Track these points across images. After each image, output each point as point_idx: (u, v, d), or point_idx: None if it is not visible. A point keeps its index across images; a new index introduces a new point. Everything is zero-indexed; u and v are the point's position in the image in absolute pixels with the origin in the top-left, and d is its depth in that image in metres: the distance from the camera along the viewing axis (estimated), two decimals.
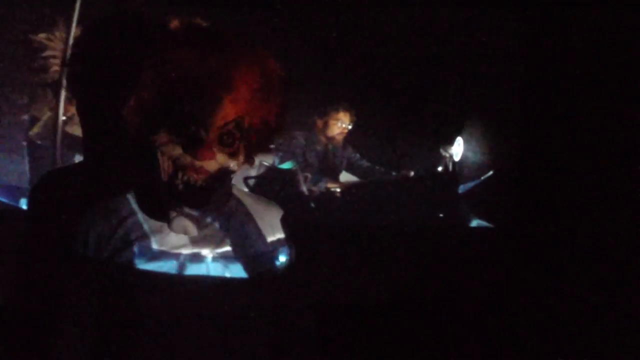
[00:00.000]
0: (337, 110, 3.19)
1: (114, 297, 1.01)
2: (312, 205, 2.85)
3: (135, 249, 1.03)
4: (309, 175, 2.99)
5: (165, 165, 1.01)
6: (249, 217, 1.13)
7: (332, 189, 3.06)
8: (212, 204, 1.06)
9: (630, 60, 1.99)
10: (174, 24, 1.07)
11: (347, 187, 3.07)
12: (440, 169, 2.84)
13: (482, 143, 2.82)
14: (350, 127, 3.22)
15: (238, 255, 1.08)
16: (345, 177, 3.29)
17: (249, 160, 1.10)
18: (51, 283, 1.06)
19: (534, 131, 2.13)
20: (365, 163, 3.30)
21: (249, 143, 1.07)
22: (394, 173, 3.13)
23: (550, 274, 1.99)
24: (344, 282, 1.91)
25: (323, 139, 3.24)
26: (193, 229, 1.05)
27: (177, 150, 1.00)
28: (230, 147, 1.03)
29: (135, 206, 1.07)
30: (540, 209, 2.08)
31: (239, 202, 1.14)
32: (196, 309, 1.02)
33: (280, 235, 1.15)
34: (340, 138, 3.24)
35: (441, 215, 2.62)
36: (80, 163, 1.36)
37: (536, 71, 2.18)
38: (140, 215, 1.06)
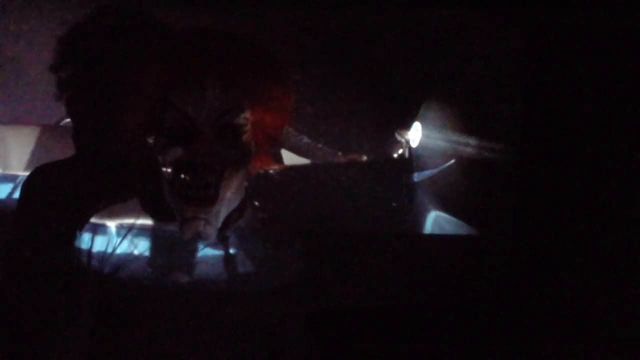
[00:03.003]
0: None
1: (113, 313, 0.98)
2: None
3: (142, 258, 0.99)
4: None
5: (167, 168, 0.98)
6: (259, 236, 1.09)
7: (270, 170, 2.74)
8: (223, 204, 0.99)
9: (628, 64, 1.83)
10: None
11: (287, 169, 2.74)
12: (395, 155, 2.56)
13: (443, 129, 2.55)
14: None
15: (241, 280, 1.04)
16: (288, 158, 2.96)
17: (261, 156, 1.05)
18: (43, 284, 1.03)
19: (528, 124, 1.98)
20: (304, 140, 3.00)
21: (254, 136, 1.02)
22: (339, 153, 2.82)
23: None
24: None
25: None
26: (208, 232, 0.99)
27: (178, 152, 0.96)
28: (232, 140, 0.98)
29: (142, 212, 1.04)
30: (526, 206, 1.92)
31: (253, 217, 1.09)
32: (197, 318, 1.00)
33: (290, 259, 1.10)
34: None
35: (394, 204, 2.32)
36: (73, 158, 1.26)
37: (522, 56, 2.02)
38: (148, 223, 1.02)
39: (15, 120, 2.39)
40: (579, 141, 1.83)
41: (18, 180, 2.45)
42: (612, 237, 1.74)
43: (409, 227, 2.33)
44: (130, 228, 1.04)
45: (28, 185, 1.19)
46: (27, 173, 2.40)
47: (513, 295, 1.85)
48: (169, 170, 0.98)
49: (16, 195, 2.43)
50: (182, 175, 0.97)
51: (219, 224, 1.03)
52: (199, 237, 1.01)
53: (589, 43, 1.83)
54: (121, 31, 1.20)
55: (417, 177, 2.51)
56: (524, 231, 1.88)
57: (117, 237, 1.04)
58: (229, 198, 1.02)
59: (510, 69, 2.16)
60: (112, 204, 1.08)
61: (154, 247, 1.03)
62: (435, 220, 2.35)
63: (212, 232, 1.01)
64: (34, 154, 2.28)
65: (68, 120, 1.87)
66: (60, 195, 1.15)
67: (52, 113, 2.17)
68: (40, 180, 1.22)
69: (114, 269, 1.01)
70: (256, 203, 1.12)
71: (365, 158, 2.69)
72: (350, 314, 1.81)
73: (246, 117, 1.00)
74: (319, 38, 2.79)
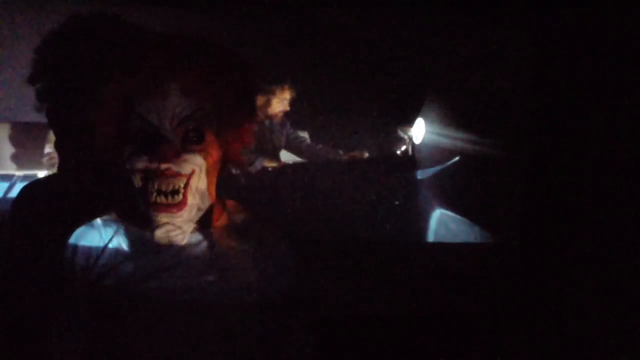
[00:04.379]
0: (282, 88, 2.87)
1: (102, 319, 0.97)
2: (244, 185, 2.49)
3: (124, 268, 0.99)
4: None
5: (136, 177, 0.96)
6: (241, 238, 1.06)
7: (270, 168, 2.73)
8: (193, 208, 0.99)
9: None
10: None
11: (288, 167, 2.71)
12: (398, 152, 2.52)
13: (447, 125, 2.51)
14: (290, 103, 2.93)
15: (223, 284, 1.01)
16: (288, 157, 2.93)
17: (232, 157, 1.03)
18: (35, 298, 1.03)
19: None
20: (305, 141, 2.97)
21: (220, 138, 1.00)
22: (340, 152, 2.79)
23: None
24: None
25: (261, 117, 2.88)
26: (179, 237, 0.99)
27: (143, 160, 0.94)
28: (198, 143, 0.96)
29: (121, 224, 1.03)
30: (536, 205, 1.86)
31: (232, 219, 1.08)
32: (183, 325, 0.97)
33: (275, 262, 1.06)
34: (281, 115, 2.92)
35: (397, 202, 2.29)
36: (58, 174, 1.29)
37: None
38: (128, 234, 1.02)
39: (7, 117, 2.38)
40: (585, 137, 1.79)
41: (14, 179, 2.43)
42: (623, 234, 1.70)
43: (412, 225, 2.29)
44: (110, 239, 1.01)
45: (17, 204, 1.20)
46: (22, 172, 2.40)
47: (519, 298, 1.81)
48: (138, 178, 0.96)
49: (12, 194, 2.42)
50: (150, 182, 0.95)
51: (191, 228, 1.01)
52: (171, 242, 0.99)
53: (592, 40, 1.80)
54: (93, 38, 1.15)
55: (420, 174, 2.48)
56: (531, 228, 1.85)
57: (100, 248, 1.00)
58: (198, 201, 0.99)
59: (515, 65, 2.12)
60: (95, 217, 1.04)
61: (134, 256, 1.00)
62: (439, 218, 2.31)
63: (183, 236, 0.99)
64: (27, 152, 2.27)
65: None
66: (47, 211, 1.14)
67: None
68: (28, 198, 1.20)
69: (98, 280, 0.98)
70: (226, 204, 1.08)
71: (367, 155, 2.66)
72: (350, 322, 1.77)
73: (210, 119, 0.98)
74: (321, 35, 2.76)
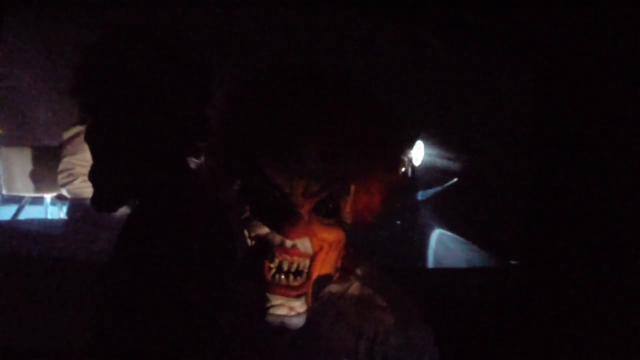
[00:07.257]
0: None
1: None
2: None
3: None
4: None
5: (252, 243, 0.80)
6: (341, 317, 0.83)
7: None
8: (314, 287, 0.81)
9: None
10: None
11: None
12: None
13: (446, 147, 2.55)
14: None
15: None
16: None
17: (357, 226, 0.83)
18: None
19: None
20: None
21: (355, 210, 0.81)
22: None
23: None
24: None
25: None
26: (294, 322, 0.80)
27: (264, 229, 0.79)
28: (330, 217, 0.79)
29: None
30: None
31: (341, 292, 0.85)
32: None
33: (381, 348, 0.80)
34: None
35: (398, 222, 2.32)
36: None
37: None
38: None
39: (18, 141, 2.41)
40: (584, 156, 1.81)
41: (23, 202, 2.46)
42: (622, 251, 1.70)
43: (413, 245, 2.32)
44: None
45: None
46: (31, 194, 2.43)
47: (520, 316, 1.81)
48: (254, 247, 0.81)
49: (20, 216, 2.46)
50: (269, 256, 0.79)
51: (310, 309, 0.83)
52: (284, 326, 0.81)
53: (587, 54, 1.82)
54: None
55: (420, 195, 2.51)
56: (528, 246, 1.87)
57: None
58: (322, 278, 0.83)
59: (513, 87, 2.16)
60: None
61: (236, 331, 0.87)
62: (439, 239, 2.34)
63: (300, 321, 0.81)
64: (36, 174, 2.29)
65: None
66: None
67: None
68: None
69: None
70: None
71: None
72: None
73: (349, 190, 0.80)
74: (322, 57, 2.79)
